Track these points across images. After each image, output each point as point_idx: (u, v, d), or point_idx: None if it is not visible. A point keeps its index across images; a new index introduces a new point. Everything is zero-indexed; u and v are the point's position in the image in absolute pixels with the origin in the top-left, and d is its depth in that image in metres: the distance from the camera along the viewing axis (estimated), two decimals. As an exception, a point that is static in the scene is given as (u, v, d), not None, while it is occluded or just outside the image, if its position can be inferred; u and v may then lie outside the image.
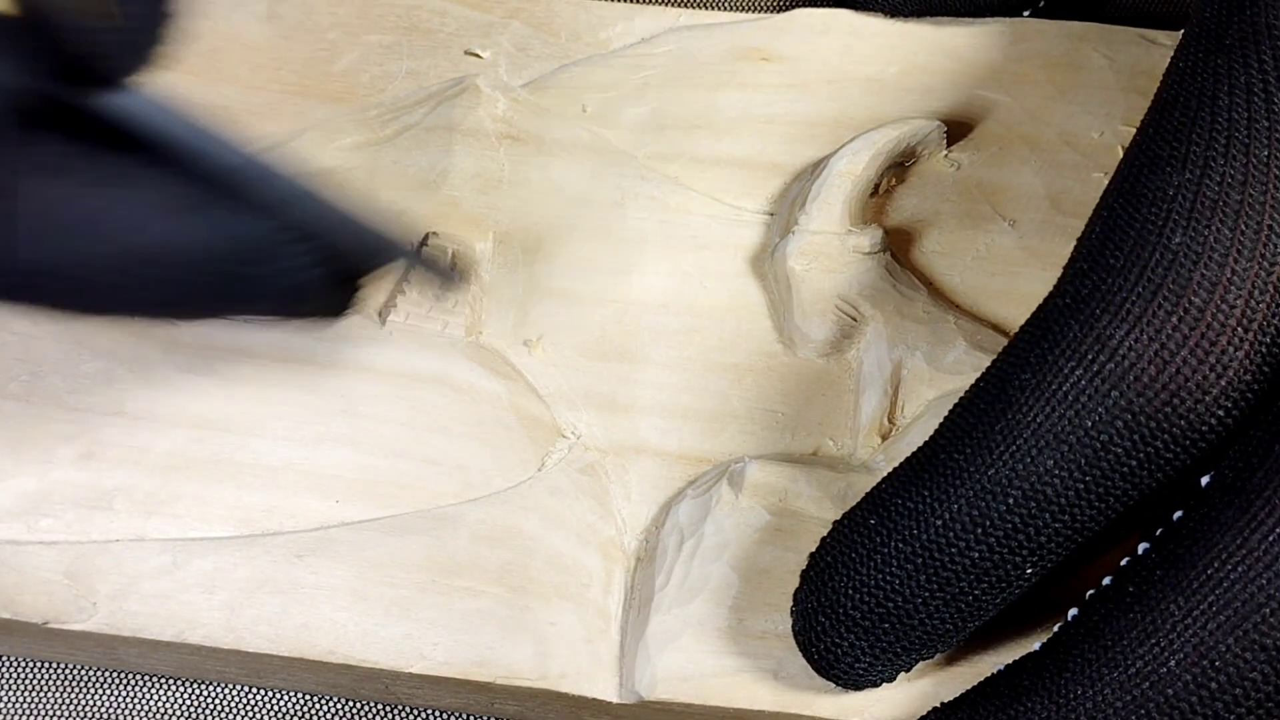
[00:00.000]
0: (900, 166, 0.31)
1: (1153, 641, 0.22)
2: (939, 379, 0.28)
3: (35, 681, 0.32)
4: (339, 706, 0.31)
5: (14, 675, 0.32)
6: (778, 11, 0.33)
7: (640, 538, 0.28)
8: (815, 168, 0.30)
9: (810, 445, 0.29)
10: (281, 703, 0.31)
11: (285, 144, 0.32)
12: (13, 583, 0.27)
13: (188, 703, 0.31)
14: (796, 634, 0.25)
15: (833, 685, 0.25)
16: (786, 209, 0.30)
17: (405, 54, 0.33)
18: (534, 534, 0.28)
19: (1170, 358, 0.22)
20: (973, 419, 0.24)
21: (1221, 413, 0.22)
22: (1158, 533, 0.23)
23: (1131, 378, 0.22)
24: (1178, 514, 0.23)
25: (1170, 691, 0.21)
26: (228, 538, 0.27)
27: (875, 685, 0.25)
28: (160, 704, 0.32)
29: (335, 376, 0.29)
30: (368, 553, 0.27)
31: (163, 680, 0.32)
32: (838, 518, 0.25)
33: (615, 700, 0.27)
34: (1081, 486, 0.23)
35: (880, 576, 0.24)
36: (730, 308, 0.30)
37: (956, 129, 0.31)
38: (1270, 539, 0.21)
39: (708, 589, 0.27)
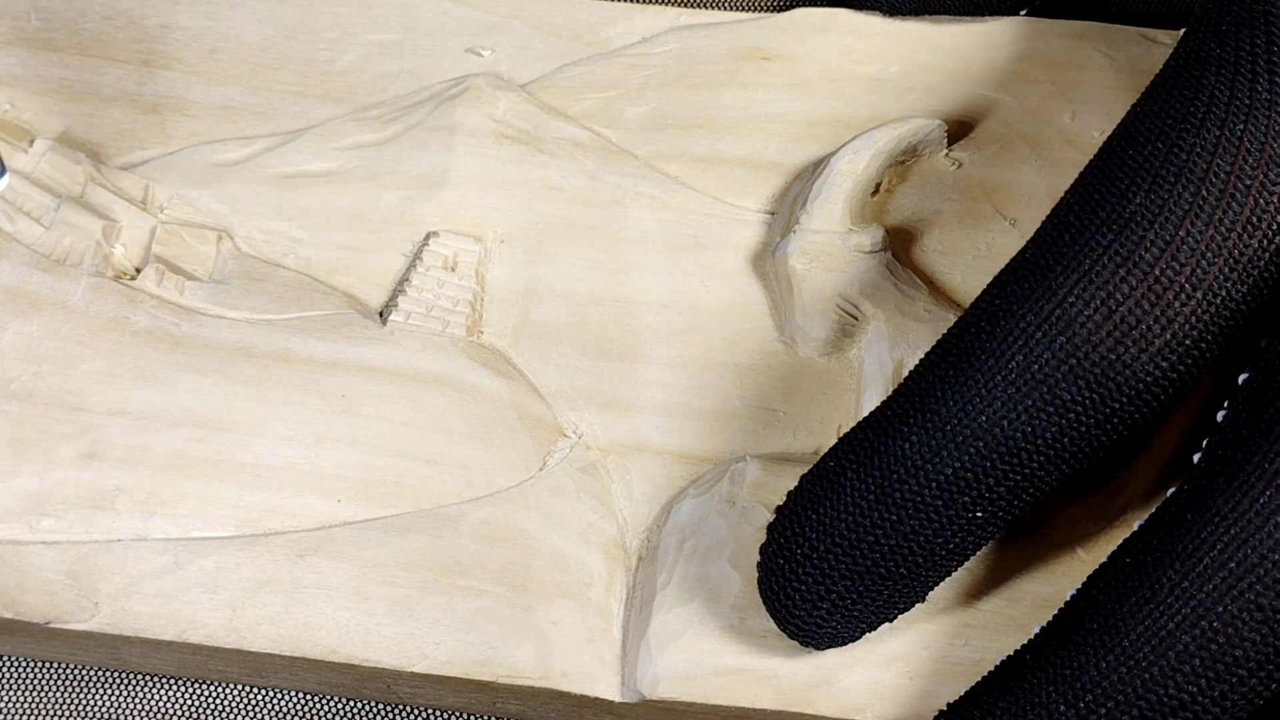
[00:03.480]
0: (901, 165, 0.31)
1: (1150, 607, 0.22)
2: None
3: (35, 681, 0.32)
4: (340, 706, 0.31)
5: (14, 675, 0.32)
6: (778, 11, 0.33)
7: (642, 537, 0.28)
8: (816, 167, 0.30)
9: (812, 444, 0.29)
10: (283, 702, 0.31)
11: (286, 144, 0.32)
12: (14, 583, 0.27)
13: (189, 703, 0.31)
14: (760, 584, 0.25)
15: (801, 646, 0.25)
16: (787, 208, 0.30)
17: (406, 53, 0.33)
18: (536, 533, 0.28)
19: (1115, 308, 0.23)
20: (931, 365, 0.24)
21: (1165, 365, 0.23)
22: (1154, 510, 0.23)
23: (1077, 325, 0.23)
24: (1171, 490, 0.23)
25: (1171, 655, 0.22)
26: (229, 537, 0.27)
27: (839, 643, 0.25)
28: (161, 704, 0.32)
29: (336, 376, 0.29)
30: (369, 552, 0.27)
31: (164, 680, 0.31)
32: None
33: (617, 699, 0.27)
34: (1029, 429, 0.23)
35: (835, 514, 0.24)
36: (731, 307, 0.30)
37: (957, 128, 0.31)
38: (1261, 501, 0.21)
39: (709, 588, 0.26)
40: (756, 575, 0.25)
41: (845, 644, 0.25)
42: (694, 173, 0.31)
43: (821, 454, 0.28)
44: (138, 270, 0.30)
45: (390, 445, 0.28)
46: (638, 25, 0.33)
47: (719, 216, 0.31)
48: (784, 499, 0.25)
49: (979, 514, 0.24)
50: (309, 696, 0.31)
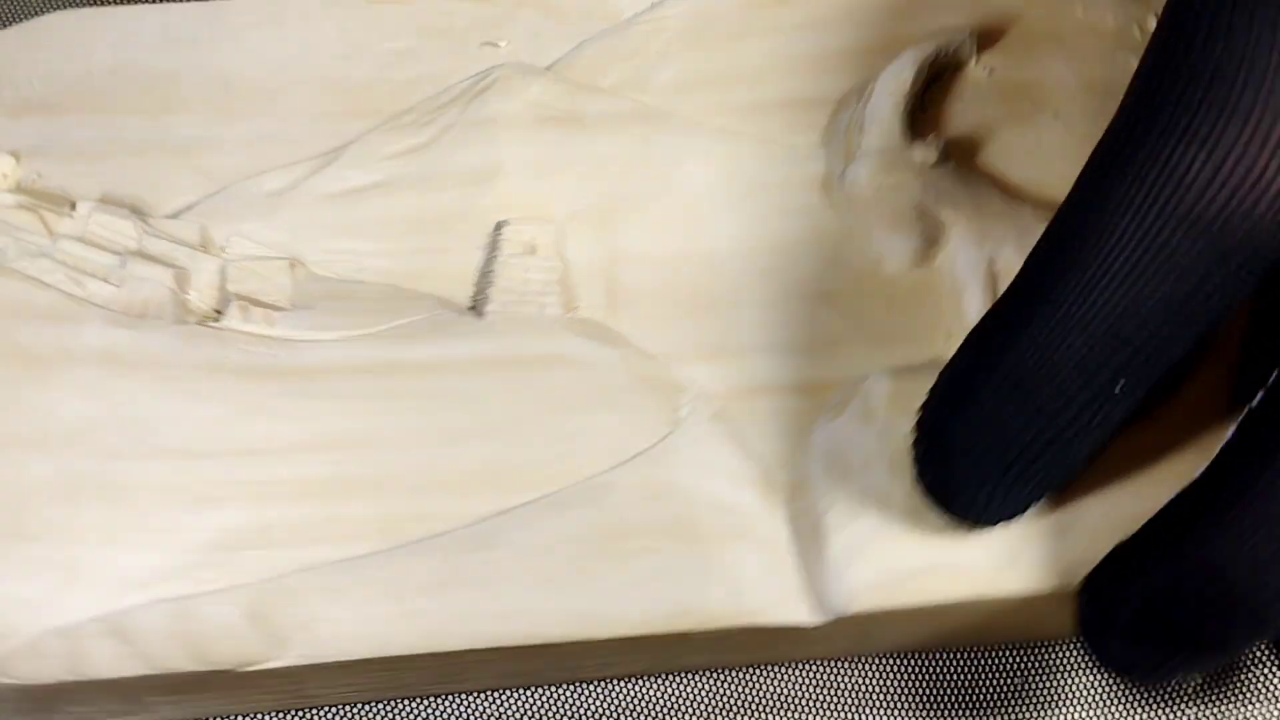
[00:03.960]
0: (939, 81, 0.32)
1: None
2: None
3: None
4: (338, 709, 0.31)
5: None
6: (783, -46, 0.33)
7: (787, 471, 0.29)
8: (859, 94, 0.31)
9: (925, 354, 0.29)
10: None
11: (329, 165, 0.32)
12: (198, 635, 0.26)
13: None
14: (919, 479, 0.26)
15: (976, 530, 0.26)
16: (842, 137, 0.31)
17: (420, 58, 0.33)
18: (690, 484, 0.28)
19: (1224, 159, 0.22)
20: (1044, 251, 0.24)
21: None
22: None
23: (1186, 183, 0.23)
24: None
25: None
26: (394, 549, 0.27)
27: (1008, 519, 0.26)
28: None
29: (450, 375, 0.29)
30: (536, 535, 0.27)
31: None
32: None
33: (814, 623, 0.27)
34: (1155, 299, 0.23)
35: (974, 411, 0.24)
36: (810, 240, 0.31)
37: (982, 37, 0.32)
38: None
39: (876, 501, 0.27)
40: (905, 451, 0.26)
41: (1015, 518, 0.26)
42: (737, 122, 0.32)
43: (941, 360, 0.29)
44: (218, 312, 0.30)
45: (522, 430, 0.28)
46: (644, -8, 0.33)
47: (774, 158, 0.32)
48: (924, 400, 0.26)
49: (1119, 387, 0.24)
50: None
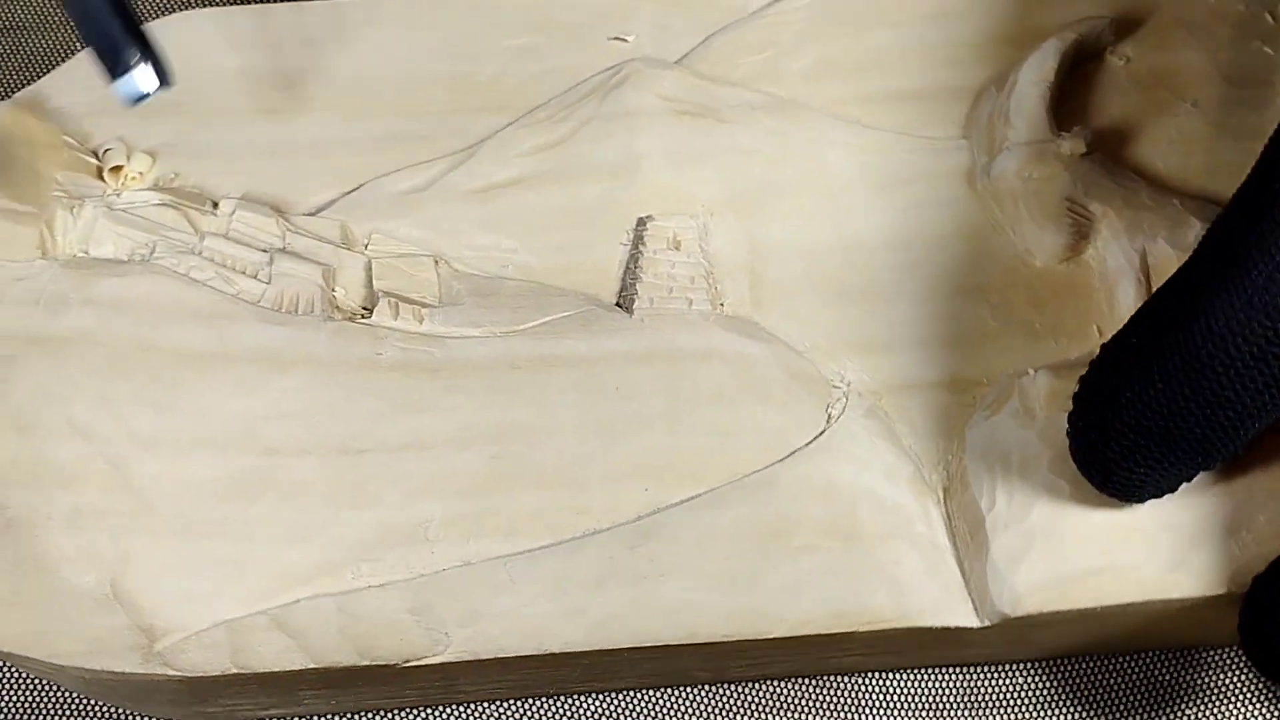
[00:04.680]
0: (1078, 70, 0.32)
1: None
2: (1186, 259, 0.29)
3: (36, 682, 0.32)
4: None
5: (15, 676, 0.32)
6: (905, -56, 0.33)
7: (939, 469, 0.28)
8: (1001, 84, 0.31)
9: (1077, 349, 0.29)
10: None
11: (465, 161, 0.32)
12: (363, 630, 0.26)
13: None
14: (1073, 453, 0.25)
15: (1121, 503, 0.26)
16: (982, 129, 0.31)
17: (547, 53, 0.33)
18: (849, 482, 0.28)
19: None
20: (1227, 235, 0.24)
21: None
22: None
23: None
24: None
25: None
26: (555, 544, 0.27)
27: (1158, 496, 0.26)
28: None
29: (604, 370, 0.29)
30: (697, 531, 0.27)
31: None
32: None
33: (977, 625, 0.27)
34: None
35: (1145, 391, 0.24)
36: (956, 233, 0.31)
37: (1119, 26, 0.32)
38: None
39: (1041, 500, 0.27)
40: (1069, 445, 0.25)
41: (1163, 495, 0.26)
42: (874, 113, 0.32)
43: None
44: (364, 309, 0.30)
45: (680, 425, 0.28)
46: (769, -15, 0.33)
47: (914, 150, 0.31)
48: (1083, 376, 0.25)
49: None
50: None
